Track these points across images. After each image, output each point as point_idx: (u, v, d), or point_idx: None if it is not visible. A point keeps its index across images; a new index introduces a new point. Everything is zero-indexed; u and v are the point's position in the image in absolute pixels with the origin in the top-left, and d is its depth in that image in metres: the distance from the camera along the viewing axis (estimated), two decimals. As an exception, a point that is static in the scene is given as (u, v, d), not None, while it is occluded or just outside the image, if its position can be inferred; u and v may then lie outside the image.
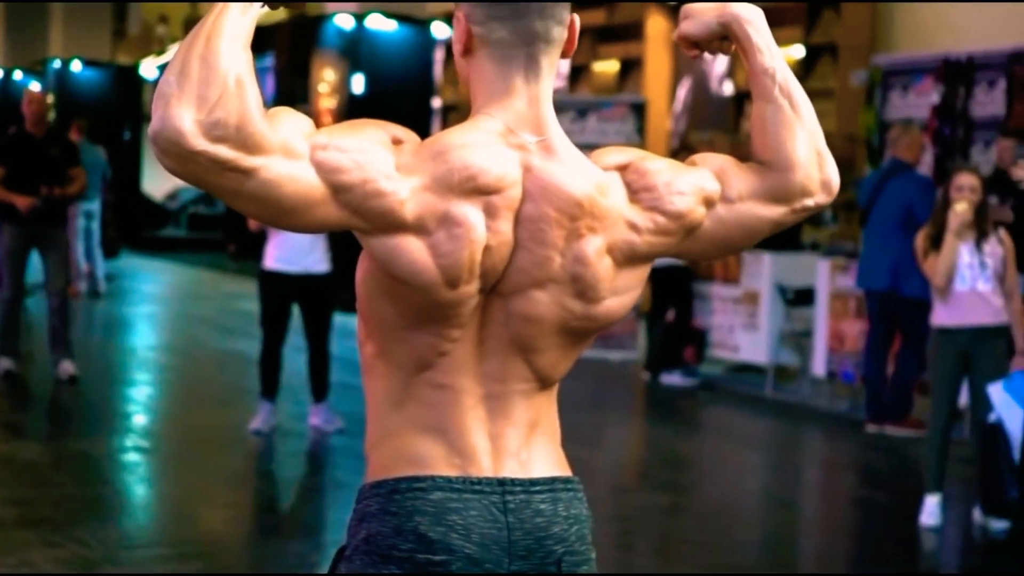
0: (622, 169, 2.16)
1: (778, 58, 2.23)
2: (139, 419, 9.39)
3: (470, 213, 2.04)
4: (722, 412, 10.62)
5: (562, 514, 2.15)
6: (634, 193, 2.15)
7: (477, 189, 2.04)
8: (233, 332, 13.66)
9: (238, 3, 1.98)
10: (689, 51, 2.29)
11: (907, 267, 8.76)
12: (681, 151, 11.21)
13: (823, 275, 10.35)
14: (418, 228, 2.03)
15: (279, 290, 8.20)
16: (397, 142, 2.06)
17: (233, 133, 1.91)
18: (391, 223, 2.02)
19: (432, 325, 2.09)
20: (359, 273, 2.14)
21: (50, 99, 21.86)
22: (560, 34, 2.16)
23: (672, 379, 11.08)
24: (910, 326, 9.08)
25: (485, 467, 2.12)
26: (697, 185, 2.18)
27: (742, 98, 15.85)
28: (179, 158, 1.91)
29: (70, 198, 10.12)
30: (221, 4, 1.97)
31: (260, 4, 2.01)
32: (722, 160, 2.23)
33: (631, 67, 17.32)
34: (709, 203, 2.19)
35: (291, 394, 9.14)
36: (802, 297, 10.57)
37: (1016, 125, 10.06)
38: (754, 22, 2.22)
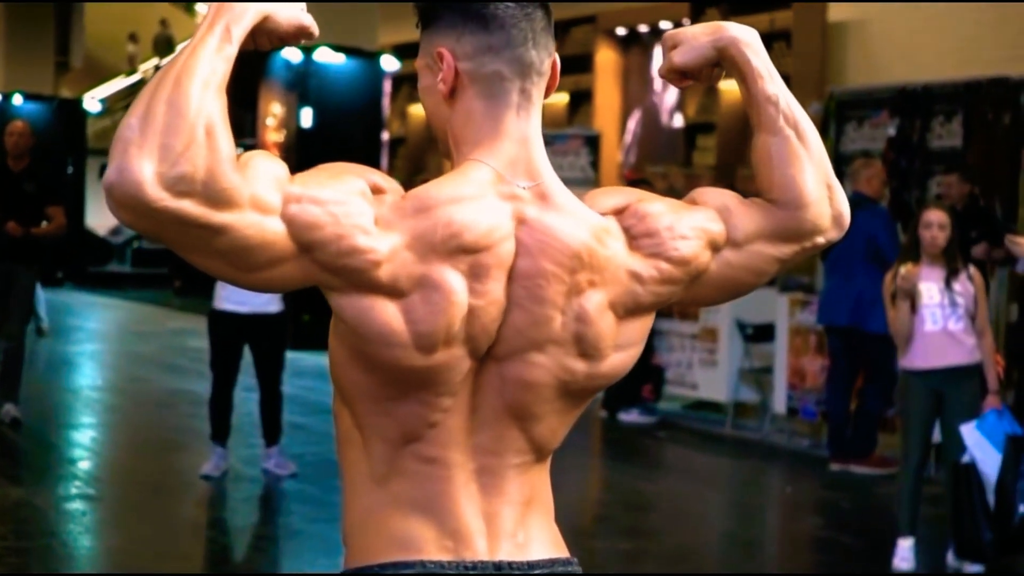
0: (619, 213, 1.98)
1: (780, 84, 2.04)
2: (84, 465, 9.09)
3: (450, 277, 1.84)
4: (681, 450, 10.44)
5: (563, 600, 1.95)
6: (634, 239, 1.96)
7: (462, 248, 1.85)
8: (180, 371, 13.38)
9: (214, 39, 1.77)
10: (680, 83, 2.09)
11: (870, 303, 8.63)
12: (639, 184, 11.05)
13: (782, 311, 10.21)
14: (392, 290, 1.83)
15: (230, 331, 7.97)
16: (378, 191, 1.86)
17: (200, 188, 1.70)
18: (364, 282, 1.82)
19: (420, 393, 1.90)
20: (331, 339, 1.93)
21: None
22: (549, 67, 1.99)
23: (630, 417, 10.91)
24: (874, 362, 8.95)
25: (480, 550, 1.93)
26: (701, 228, 2.00)
27: (693, 130, 15.75)
28: (136, 213, 1.70)
29: (44, 237, 9.66)
30: (195, 41, 1.77)
31: (238, 41, 1.81)
32: (725, 197, 2.05)
33: (581, 99, 17.22)
34: (715, 246, 2.01)
35: (242, 437, 8.89)
36: (761, 333, 10.42)
37: (974, 158, 9.98)
38: (753, 45, 2.03)
